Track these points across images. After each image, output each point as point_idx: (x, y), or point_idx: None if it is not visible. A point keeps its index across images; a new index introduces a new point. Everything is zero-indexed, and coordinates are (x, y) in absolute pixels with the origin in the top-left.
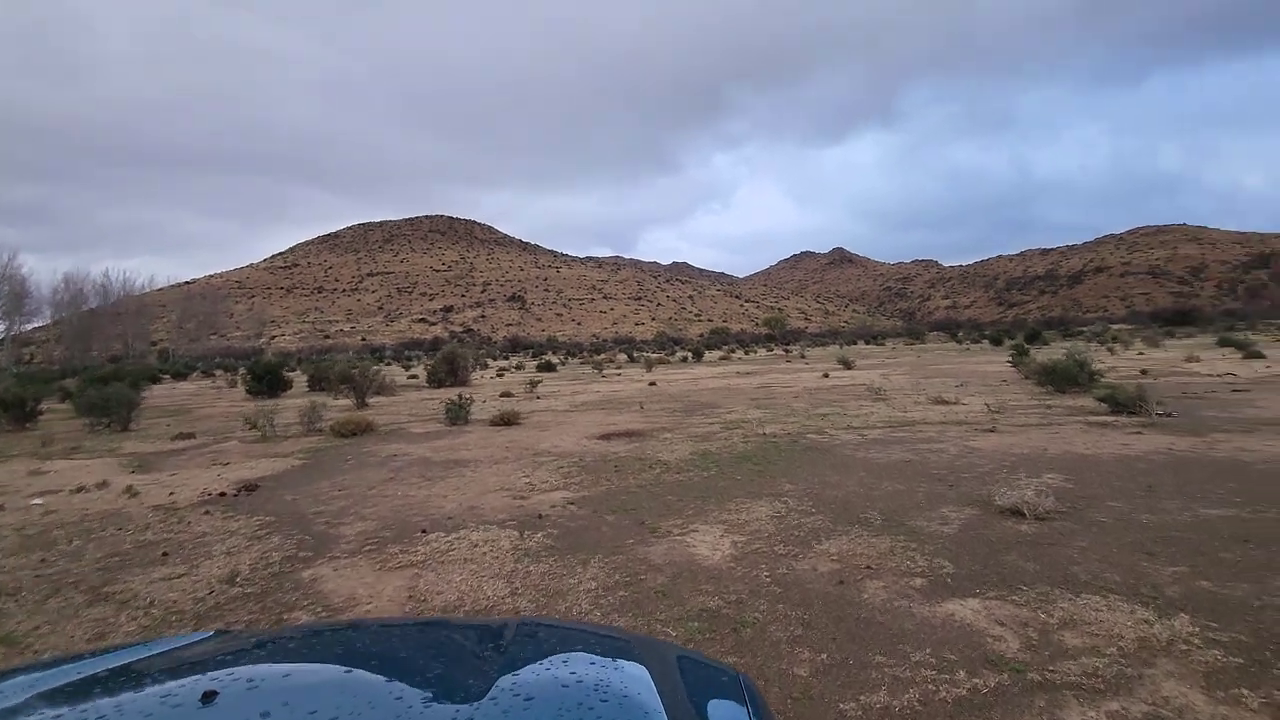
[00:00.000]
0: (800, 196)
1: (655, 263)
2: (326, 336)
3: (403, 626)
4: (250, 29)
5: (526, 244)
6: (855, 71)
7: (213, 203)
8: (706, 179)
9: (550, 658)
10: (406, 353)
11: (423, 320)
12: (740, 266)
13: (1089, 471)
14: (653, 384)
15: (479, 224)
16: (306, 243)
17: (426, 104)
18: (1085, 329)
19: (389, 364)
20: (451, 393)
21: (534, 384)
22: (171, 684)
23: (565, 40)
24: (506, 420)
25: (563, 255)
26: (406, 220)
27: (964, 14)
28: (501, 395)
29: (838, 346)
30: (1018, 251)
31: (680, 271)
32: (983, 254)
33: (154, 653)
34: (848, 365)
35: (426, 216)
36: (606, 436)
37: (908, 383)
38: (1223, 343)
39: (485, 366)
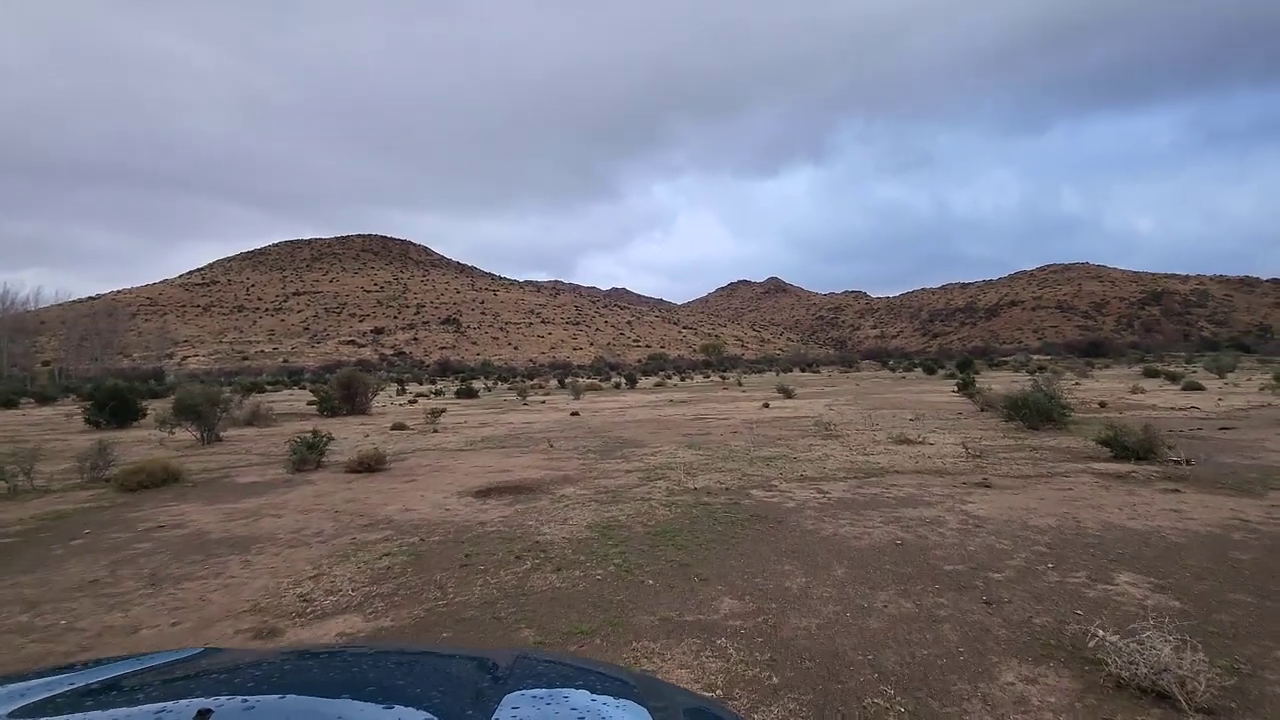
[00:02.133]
0: (736, 226)
1: (595, 288)
2: (245, 358)
3: (400, 654)
4: (151, 35)
5: (463, 266)
6: (788, 108)
7: (118, 216)
8: (646, 207)
9: (551, 691)
10: (328, 375)
11: (351, 342)
12: (678, 293)
13: (1177, 570)
14: (575, 414)
15: (414, 244)
16: (227, 259)
17: (352, 124)
18: (1009, 359)
19: (303, 387)
20: (350, 422)
21: (436, 415)
22: (166, 701)
23: (492, 65)
24: (368, 465)
25: (500, 278)
26: (337, 239)
27: (885, 58)
28: (393, 428)
29: (774, 374)
30: (940, 285)
31: (619, 297)
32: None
33: (145, 667)
34: (788, 394)
35: (359, 235)
36: (485, 493)
37: (857, 415)
38: (1149, 373)
39: (402, 391)
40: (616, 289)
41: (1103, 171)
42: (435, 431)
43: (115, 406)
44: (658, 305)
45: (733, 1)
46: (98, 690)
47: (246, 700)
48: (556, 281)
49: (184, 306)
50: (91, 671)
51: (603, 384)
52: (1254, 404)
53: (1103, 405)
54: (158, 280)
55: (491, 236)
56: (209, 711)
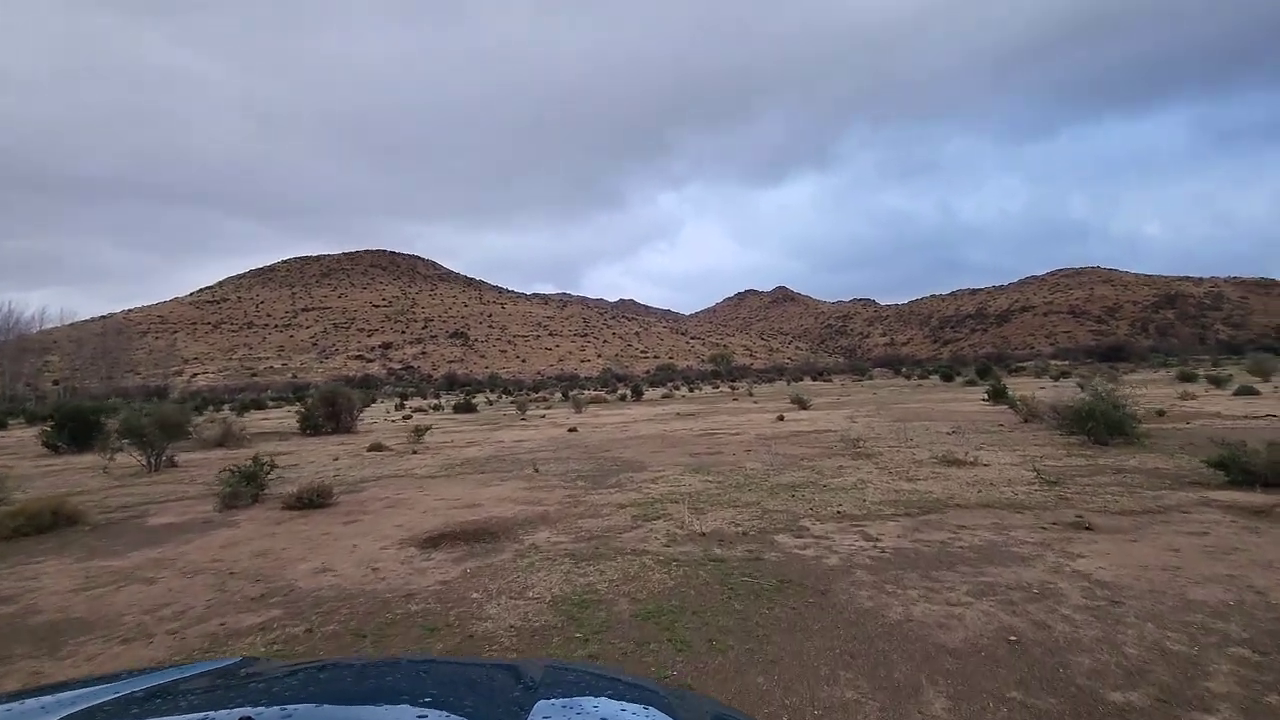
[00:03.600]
0: (743, 235)
1: (602, 299)
2: (253, 374)
3: (432, 663)
4: (161, 48)
5: (471, 280)
6: (792, 115)
7: (130, 233)
8: (652, 217)
9: (580, 699)
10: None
11: (360, 357)
12: (686, 304)
13: None
14: (573, 430)
15: (422, 259)
16: (237, 276)
17: (359, 136)
18: (1026, 364)
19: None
20: (330, 442)
21: (420, 433)
22: (209, 710)
23: (500, 75)
24: (310, 500)
25: (508, 291)
26: (345, 254)
27: (890, 63)
28: (370, 449)
29: (786, 383)
30: (949, 291)
31: (627, 308)
32: (916, 293)
33: (186, 675)
34: (803, 405)
35: (367, 251)
36: (435, 541)
37: (885, 428)
38: (1184, 377)
39: (401, 406)
40: (624, 300)
41: (1111, 175)
42: (415, 453)
43: (75, 428)
44: (665, 316)
45: (737, 7)
46: (142, 698)
47: (285, 708)
48: (564, 294)
49: (194, 324)
50: (135, 680)
51: (608, 396)
52: None
53: (1161, 414)
54: (168, 298)
55: (499, 249)
56: (249, 719)
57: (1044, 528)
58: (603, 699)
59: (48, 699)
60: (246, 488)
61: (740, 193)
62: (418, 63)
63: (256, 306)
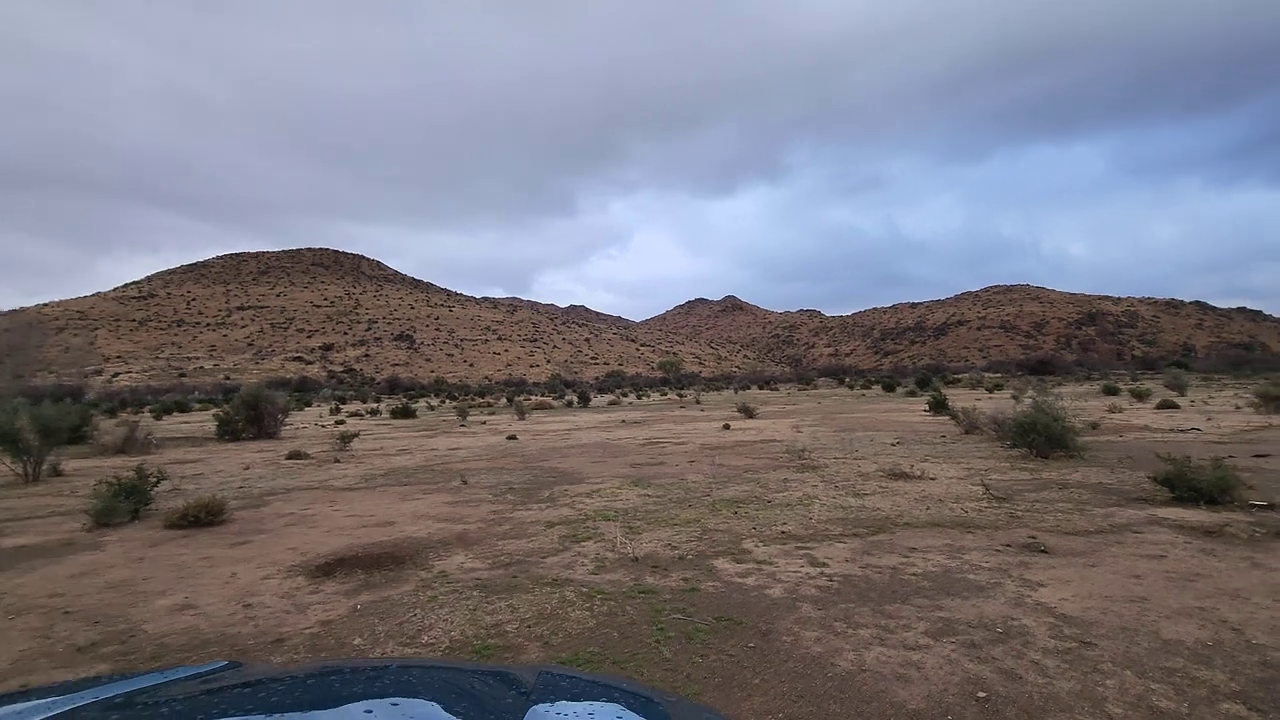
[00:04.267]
0: (693, 244)
1: (553, 305)
2: (182, 374)
3: (423, 668)
4: (72, 29)
5: (418, 282)
6: (743, 128)
7: (44, 223)
8: (603, 224)
9: (575, 705)
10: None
11: (299, 358)
12: (636, 311)
13: None
14: (513, 438)
15: (366, 259)
16: (168, 272)
17: (300, 133)
18: (961, 376)
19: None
20: (248, 448)
21: (347, 440)
22: (194, 716)
23: (443, 75)
24: (196, 518)
25: (456, 294)
26: (286, 252)
27: (836, 83)
28: (288, 457)
29: (733, 391)
30: (890, 304)
31: (577, 315)
32: (859, 305)
33: (170, 680)
34: (750, 414)
35: (309, 249)
36: (330, 568)
37: (830, 438)
38: (1108, 391)
39: (336, 411)
40: (575, 306)
41: (1039, 198)
42: (338, 461)
43: None
44: (616, 323)
45: (687, 21)
46: (121, 704)
47: (271, 716)
48: (514, 298)
49: (118, 321)
50: (117, 684)
51: (554, 402)
52: (1254, 425)
53: (1095, 427)
54: (89, 293)
55: (447, 252)
56: None
57: (998, 550)
58: (597, 704)
59: (22, 705)
60: (124, 503)
61: (691, 202)
62: (360, 60)
63: (188, 304)
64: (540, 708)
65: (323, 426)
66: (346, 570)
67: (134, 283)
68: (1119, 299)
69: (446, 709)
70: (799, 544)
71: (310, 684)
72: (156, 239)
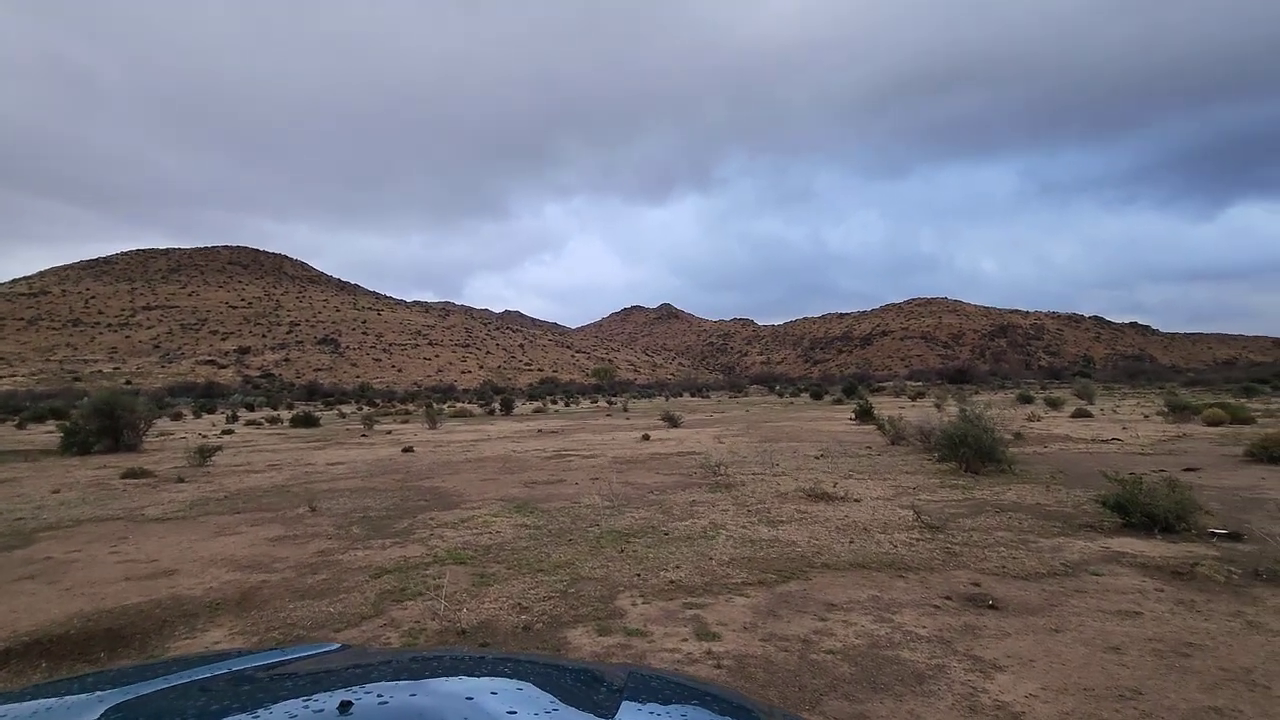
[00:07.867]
0: (627, 252)
1: (487, 310)
2: (76, 378)
3: (516, 661)
4: None
5: (345, 283)
6: (676, 137)
7: None
8: (537, 229)
9: (666, 707)
10: (168, 400)
11: (211, 362)
12: (572, 317)
13: None
14: (409, 450)
15: (289, 259)
16: (62, 267)
17: (207, 121)
18: (886, 384)
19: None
20: (90, 464)
21: (206, 454)
22: (310, 690)
23: (362, 66)
24: None
25: (386, 297)
26: (200, 249)
27: (766, 97)
28: (124, 475)
29: (664, 399)
30: (819, 314)
31: (512, 320)
32: (789, 314)
33: (289, 658)
34: (674, 423)
35: (225, 246)
36: (25, 651)
37: (751, 451)
38: (1024, 399)
39: (234, 419)
40: (509, 311)
41: (954, 215)
42: (181, 480)
43: None
44: (551, 329)
45: (620, 29)
46: (249, 675)
47: (381, 695)
48: (447, 303)
49: (2, 319)
50: (242, 659)
51: (476, 410)
52: (1169, 434)
53: (1018, 436)
54: None
55: (374, 252)
56: (350, 703)
57: (937, 606)
58: (690, 707)
59: (170, 675)
60: None
61: (625, 209)
62: (268, 45)
63: (86, 302)
64: (631, 704)
65: (204, 437)
66: (30, 660)
67: (23, 278)
68: (1027, 312)
69: (542, 705)
70: (688, 599)
71: (415, 668)
72: (47, 231)
